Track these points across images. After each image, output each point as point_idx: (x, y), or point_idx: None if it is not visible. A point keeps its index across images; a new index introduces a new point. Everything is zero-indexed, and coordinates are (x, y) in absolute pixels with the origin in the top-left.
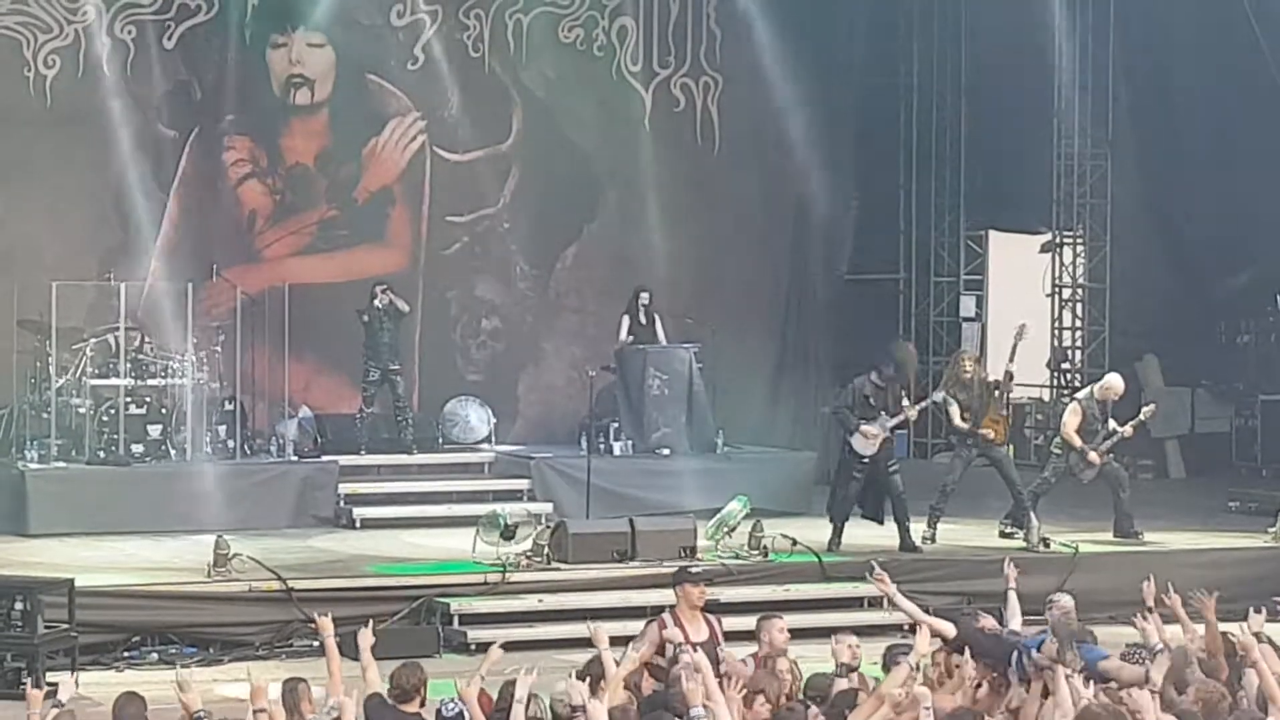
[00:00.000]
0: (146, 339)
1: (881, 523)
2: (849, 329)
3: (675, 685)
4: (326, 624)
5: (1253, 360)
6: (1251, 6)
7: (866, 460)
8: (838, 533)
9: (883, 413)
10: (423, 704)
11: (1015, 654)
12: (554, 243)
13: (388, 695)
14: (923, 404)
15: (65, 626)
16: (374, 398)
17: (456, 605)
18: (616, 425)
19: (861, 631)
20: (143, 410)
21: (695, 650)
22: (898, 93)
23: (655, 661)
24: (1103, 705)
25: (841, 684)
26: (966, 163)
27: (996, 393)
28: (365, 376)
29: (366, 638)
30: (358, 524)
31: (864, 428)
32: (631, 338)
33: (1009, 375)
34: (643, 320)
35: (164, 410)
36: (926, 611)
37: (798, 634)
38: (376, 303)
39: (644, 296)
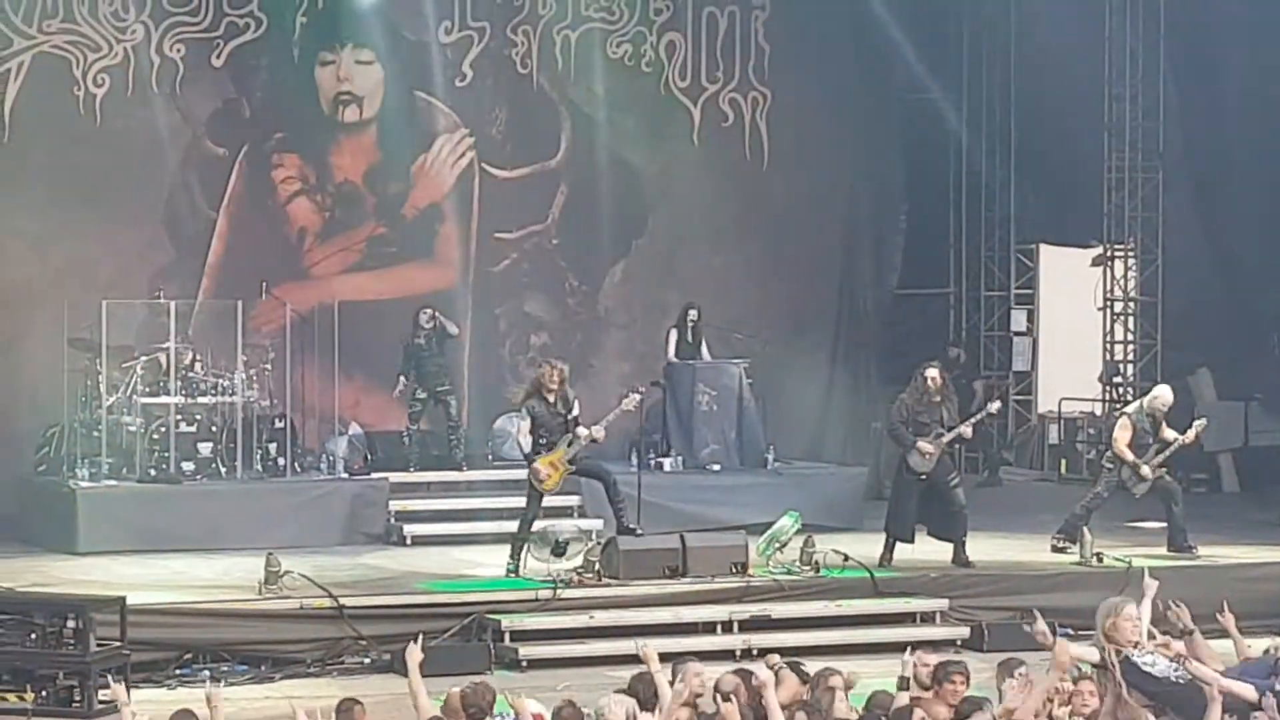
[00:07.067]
0: (197, 357)
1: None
2: (899, 343)
3: None
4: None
5: None
6: None
7: (924, 477)
8: (890, 548)
9: (938, 428)
10: None
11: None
12: (603, 259)
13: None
14: (977, 418)
15: (117, 644)
16: (420, 414)
17: (507, 622)
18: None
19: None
20: (193, 428)
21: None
22: (948, 106)
23: None
24: None
25: (902, 699)
26: (1017, 176)
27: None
28: (413, 395)
29: (415, 655)
30: (408, 541)
31: (920, 444)
32: (676, 355)
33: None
34: (689, 339)
35: (214, 428)
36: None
37: (849, 649)
38: (423, 324)
39: (692, 314)
